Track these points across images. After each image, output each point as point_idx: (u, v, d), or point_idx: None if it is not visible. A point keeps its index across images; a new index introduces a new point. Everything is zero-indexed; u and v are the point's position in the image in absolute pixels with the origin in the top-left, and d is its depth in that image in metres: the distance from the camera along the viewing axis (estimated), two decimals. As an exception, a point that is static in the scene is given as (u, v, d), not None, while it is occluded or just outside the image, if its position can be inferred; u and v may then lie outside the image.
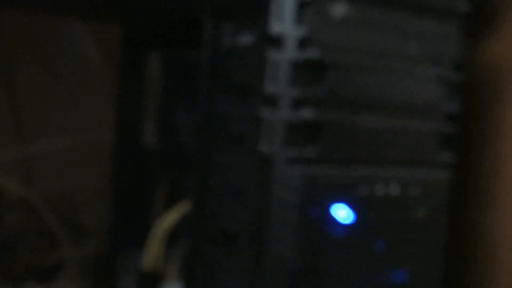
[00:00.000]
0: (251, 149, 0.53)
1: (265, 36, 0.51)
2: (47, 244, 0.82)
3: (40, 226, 0.82)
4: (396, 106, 0.55)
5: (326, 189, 0.52)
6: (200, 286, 0.59)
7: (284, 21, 0.51)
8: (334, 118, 0.52)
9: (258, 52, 0.53)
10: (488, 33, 0.68)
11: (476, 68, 0.68)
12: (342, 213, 0.52)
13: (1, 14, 0.77)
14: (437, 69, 0.57)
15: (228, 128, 0.57)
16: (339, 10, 0.52)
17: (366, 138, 0.54)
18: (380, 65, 0.54)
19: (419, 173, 0.57)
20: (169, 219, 0.66)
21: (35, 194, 0.82)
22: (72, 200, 0.84)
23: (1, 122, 0.80)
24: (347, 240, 0.53)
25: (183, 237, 0.66)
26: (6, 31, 0.78)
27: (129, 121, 0.77)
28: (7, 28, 0.79)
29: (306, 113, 0.51)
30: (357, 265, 0.54)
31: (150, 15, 0.73)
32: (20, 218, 0.82)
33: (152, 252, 0.67)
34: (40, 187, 0.82)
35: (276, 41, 0.51)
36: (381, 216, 0.55)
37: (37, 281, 0.80)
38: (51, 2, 0.73)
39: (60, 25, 0.81)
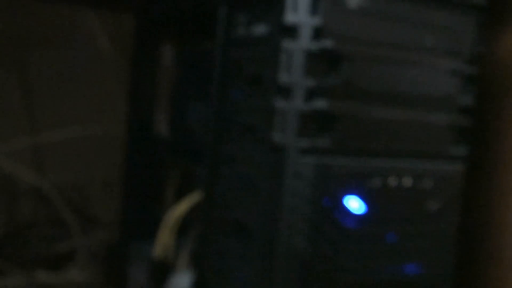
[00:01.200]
0: (264, 139, 0.53)
1: (279, 26, 0.51)
2: (59, 233, 0.83)
3: (51, 215, 0.83)
4: (410, 98, 0.55)
5: (339, 179, 0.52)
6: (210, 275, 0.59)
7: (299, 11, 0.50)
8: (348, 109, 0.52)
9: (272, 42, 0.53)
10: (504, 28, 0.67)
11: (491, 62, 0.68)
12: (354, 204, 0.52)
13: (15, 4, 0.77)
14: (452, 61, 0.57)
15: (240, 118, 0.57)
16: (354, 0, 0.52)
17: (379, 129, 0.54)
18: (395, 56, 0.54)
19: (432, 165, 0.56)
20: (180, 209, 0.67)
21: (47, 183, 0.82)
22: (84, 190, 0.84)
23: (13, 112, 0.80)
24: (358, 231, 0.53)
25: (194, 226, 0.66)
26: (19, 21, 0.79)
27: (141, 112, 0.78)
28: (20, 18, 0.79)
29: (320, 104, 0.51)
30: (368, 256, 0.54)
31: (164, 6, 0.73)
32: (32, 207, 0.83)
33: (163, 241, 0.67)
34: (52, 176, 0.82)
35: (291, 31, 0.51)
36: (393, 208, 0.54)
37: (48, 269, 0.81)
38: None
39: (74, 15, 0.82)
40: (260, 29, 0.55)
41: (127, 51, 0.81)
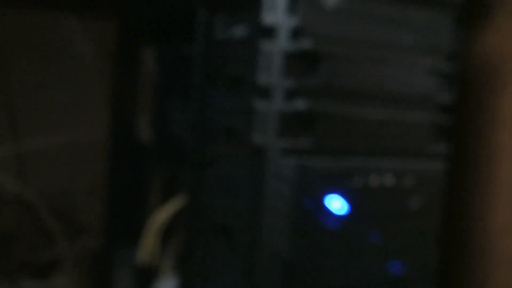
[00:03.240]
0: (245, 141, 0.53)
1: (257, 27, 0.51)
2: (43, 241, 0.82)
3: (35, 223, 0.82)
4: (390, 97, 0.55)
5: (320, 180, 0.52)
6: (195, 279, 0.59)
7: (276, 12, 0.50)
8: (327, 108, 0.52)
9: (251, 43, 0.53)
10: (483, 25, 0.67)
11: (471, 60, 0.68)
12: (336, 204, 0.52)
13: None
14: (431, 59, 0.57)
15: (222, 121, 0.57)
16: (331, 0, 0.52)
17: (360, 128, 0.54)
18: (374, 55, 0.54)
19: (413, 164, 0.56)
20: (164, 213, 0.66)
21: (30, 191, 0.82)
22: (68, 197, 0.84)
23: (-5, 119, 0.80)
24: (341, 231, 0.53)
25: (179, 231, 0.65)
26: (0, 28, 0.78)
27: (124, 117, 0.77)
28: (1, 24, 0.78)
29: (300, 104, 0.51)
30: (351, 256, 0.53)
31: (143, 10, 0.72)
32: (16, 215, 0.82)
33: (148, 246, 0.67)
34: (35, 184, 0.82)
35: (269, 32, 0.50)
36: (376, 207, 0.54)
37: (33, 278, 0.80)
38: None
39: (54, 21, 0.81)
40: (239, 31, 0.55)
41: (109, 57, 0.80)
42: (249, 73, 0.52)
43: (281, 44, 0.50)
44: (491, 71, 0.67)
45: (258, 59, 0.51)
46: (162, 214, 0.66)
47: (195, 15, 0.59)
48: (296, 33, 0.51)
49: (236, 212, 0.54)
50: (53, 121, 0.82)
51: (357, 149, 0.54)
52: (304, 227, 0.51)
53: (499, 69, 0.66)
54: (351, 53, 0.53)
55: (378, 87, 0.55)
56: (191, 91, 0.59)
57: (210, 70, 0.58)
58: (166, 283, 0.67)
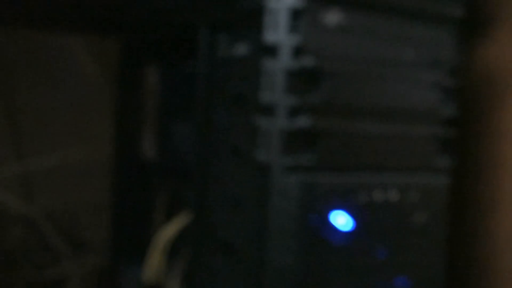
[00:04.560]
0: (249, 159, 0.53)
1: (259, 45, 0.52)
2: (48, 260, 0.82)
3: (41, 241, 0.82)
4: (393, 112, 0.55)
5: (325, 196, 0.52)
6: (201, 297, 0.59)
7: (278, 30, 0.51)
8: (331, 125, 0.52)
9: (253, 62, 0.53)
10: (483, 39, 0.68)
11: (472, 74, 0.68)
12: (341, 220, 0.52)
13: (-1, 30, 0.78)
14: (433, 74, 0.57)
15: (225, 139, 0.57)
16: (333, 18, 0.52)
17: (363, 144, 0.54)
18: (376, 71, 0.55)
19: (417, 178, 0.57)
20: (169, 231, 0.66)
21: (35, 209, 0.82)
22: (73, 215, 0.84)
23: (0, 138, 0.80)
24: (347, 247, 0.53)
25: (184, 248, 0.65)
26: (4, 48, 0.79)
27: (128, 135, 0.78)
28: (5, 44, 0.79)
29: (303, 121, 0.51)
30: (357, 272, 0.53)
31: (146, 29, 0.73)
32: (21, 234, 0.82)
33: (153, 264, 0.67)
34: (40, 202, 0.82)
35: (271, 50, 0.51)
36: (381, 222, 0.54)
37: (39, 297, 0.80)
38: (49, 18, 0.73)
39: (58, 40, 0.82)
40: (241, 49, 0.56)
41: (113, 76, 0.81)
42: (251, 91, 0.53)
43: (283, 62, 0.51)
44: (492, 84, 0.67)
45: (261, 78, 0.51)
46: (167, 232, 0.66)
47: (198, 34, 0.59)
48: (298, 51, 0.51)
49: (241, 229, 0.54)
50: (58, 139, 0.83)
51: (361, 165, 0.54)
52: (310, 244, 0.51)
53: (500, 82, 0.66)
54: (353, 69, 0.53)
55: (381, 102, 0.55)
56: (194, 109, 0.60)
57: (213, 89, 0.59)
58: (172, 301, 0.67)
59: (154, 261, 0.67)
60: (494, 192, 0.66)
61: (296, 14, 0.51)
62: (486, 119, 0.67)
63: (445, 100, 0.58)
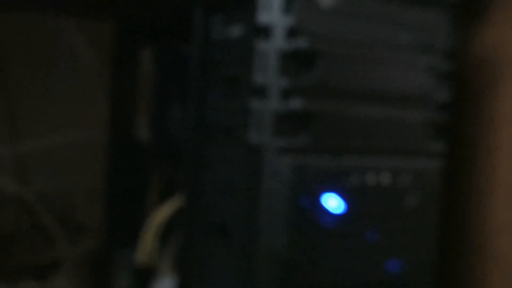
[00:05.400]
0: (241, 141, 0.53)
1: (253, 26, 0.51)
2: (43, 242, 0.82)
3: (35, 224, 0.82)
4: (387, 96, 0.55)
5: (317, 179, 0.52)
6: (193, 279, 0.59)
7: (272, 11, 0.51)
8: (324, 107, 0.52)
9: (247, 43, 0.53)
10: (480, 23, 0.67)
11: (468, 59, 0.68)
12: (333, 203, 0.52)
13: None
14: (427, 58, 0.57)
15: (219, 121, 0.57)
16: (327, 0, 0.52)
17: (356, 127, 0.54)
18: (370, 54, 0.54)
19: (410, 162, 0.57)
20: (163, 213, 0.66)
21: (30, 192, 0.82)
22: (67, 198, 0.84)
23: (-6, 121, 0.80)
24: (338, 230, 0.53)
25: (177, 231, 0.65)
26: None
27: (123, 117, 0.78)
28: (0, 27, 0.79)
29: (296, 103, 0.51)
30: (348, 254, 0.53)
31: (141, 10, 0.73)
32: (15, 216, 0.82)
33: (146, 246, 0.67)
34: (34, 185, 0.82)
35: (264, 31, 0.51)
36: (372, 206, 0.54)
37: (32, 279, 0.80)
38: (44, 1, 0.73)
39: (52, 22, 0.81)
40: (236, 31, 0.55)
41: (107, 58, 0.81)
42: (245, 73, 0.52)
43: (276, 43, 0.51)
44: (488, 69, 0.67)
45: (254, 59, 0.51)
46: (161, 214, 0.66)
47: (192, 15, 0.59)
48: (292, 33, 0.51)
49: (234, 211, 0.54)
50: (53, 122, 0.82)
51: (354, 148, 0.54)
52: (301, 226, 0.51)
53: (496, 66, 0.66)
54: (347, 52, 0.53)
55: (375, 85, 0.55)
56: (188, 91, 0.60)
57: (207, 70, 0.58)
58: (164, 283, 0.67)
59: (147, 244, 0.67)
60: (488, 177, 0.66)
61: (290, -5, 0.51)
62: (482, 104, 0.67)
63: (439, 84, 0.58)
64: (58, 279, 0.82)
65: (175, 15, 0.66)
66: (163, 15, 0.69)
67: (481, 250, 0.66)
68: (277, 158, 0.51)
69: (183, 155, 0.61)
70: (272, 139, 0.51)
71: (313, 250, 0.52)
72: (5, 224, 0.81)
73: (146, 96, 0.75)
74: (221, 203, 0.56)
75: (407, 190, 0.56)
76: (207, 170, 0.58)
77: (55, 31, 0.82)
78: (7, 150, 0.81)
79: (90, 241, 0.84)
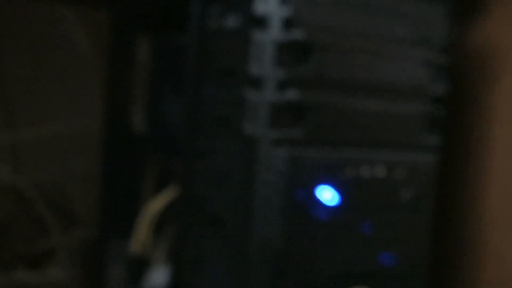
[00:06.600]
0: (237, 132, 0.53)
1: (249, 17, 0.51)
2: (37, 231, 0.82)
3: (29, 213, 0.82)
4: (383, 88, 0.55)
5: (312, 171, 0.52)
6: (187, 269, 0.59)
7: (268, 2, 0.50)
8: (319, 99, 0.52)
9: (243, 34, 0.52)
10: (478, 17, 0.67)
11: (466, 52, 0.68)
12: (327, 195, 0.52)
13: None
14: (424, 51, 0.57)
15: (214, 111, 0.57)
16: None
17: (352, 120, 0.54)
18: (366, 46, 0.54)
19: (405, 155, 0.57)
20: (157, 204, 0.66)
21: (24, 181, 0.81)
22: (62, 187, 0.83)
23: (-11, 109, 0.79)
24: (332, 222, 0.53)
25: (171, 221, 0.65)
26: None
27: (118, 107, 0.77)
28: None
29: (291, 95, 0.51)
30: (342, 246, 0.54)
31: (138, 0, 0.72)
32: (9, 205, 0.82)
33: (140, 237, 0.67)
34: (29, 174, 0.82)
35: (261, 22, 0.50)
36: (367, 198, 0.54)
37: (27, 268, 0.80)
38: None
39: (49, 11, 0.81)
40: (232, 21, 0.55)
41: (103, 47, 0.80)
42: (241, 63, 0.52)
43: (273, 34, 0.50)
44: (485, 63, 0.67)
45: (250, 49, 0.51)
46: (155, 205, 0.66)
47: (189, 4, 0.59)
48: (288, 23, 0.50)
49: (228, 202, 0.54)
50: (47, 111, 0.82)
51: (349, 140, 0.54)
52: (295, 218, 0.51)
53: (494, 60, 0.66)
54: (343, 43, 0.53)
55: (371, 78, 0.55)
56: (184, 81, 0.59)
57: (203, 60, 0.58)
58: (158, 273, 0.67)
59: (141, 234, 0.67)
60: (483, 171, 0.66)
61: (287, -14, 0.50)
62: (478, 98, 0.67)
63: (435, 77, 0.58)
64: (52, 268, 0.82)
65: (172, 5, 0.65)
66: (160, 4, 0.69)
67: (476, 244, 0.67)
68: (272, 149, 0.51)
69: (178, 145, 0.61)
70: (267, 131, 0.51)
71: (307, 242, 0.52)
72: (-1, 213, 0.81)
73: (142, 86, 0.75)
74: (216, 194, 0.56)
75: (401, 183, 0.56)
76: (202, 161, 0.58)
77: (51, 20, 0.81)
78: (2, 139, 0.81)
79: (85, 231, 0.84)
